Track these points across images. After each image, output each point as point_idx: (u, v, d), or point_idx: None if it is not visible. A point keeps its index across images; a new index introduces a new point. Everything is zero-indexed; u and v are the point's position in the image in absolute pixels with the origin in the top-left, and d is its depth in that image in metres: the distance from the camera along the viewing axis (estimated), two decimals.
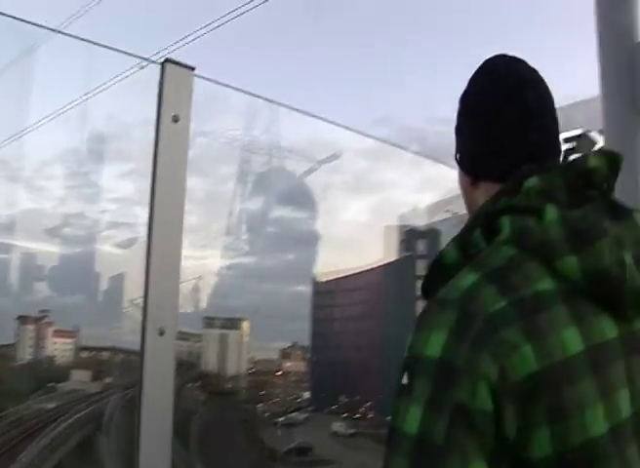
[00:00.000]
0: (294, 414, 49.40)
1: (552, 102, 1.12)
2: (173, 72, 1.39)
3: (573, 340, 0.88)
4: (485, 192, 1.09)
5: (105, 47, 1.67)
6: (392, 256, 56.59)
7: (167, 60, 1.37)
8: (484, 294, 0.90)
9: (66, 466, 30.18)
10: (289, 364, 60.71)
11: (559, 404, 0.85)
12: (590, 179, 1.02)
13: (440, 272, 1.02)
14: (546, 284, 0.90)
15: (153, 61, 1.41)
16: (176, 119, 1.34)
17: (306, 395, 60.11)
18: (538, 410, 0.85)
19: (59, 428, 34.05)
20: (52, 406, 41.91)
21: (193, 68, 1.41)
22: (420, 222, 54.69)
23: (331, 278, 64.87)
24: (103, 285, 61.92)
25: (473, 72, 1.16)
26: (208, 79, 1.49)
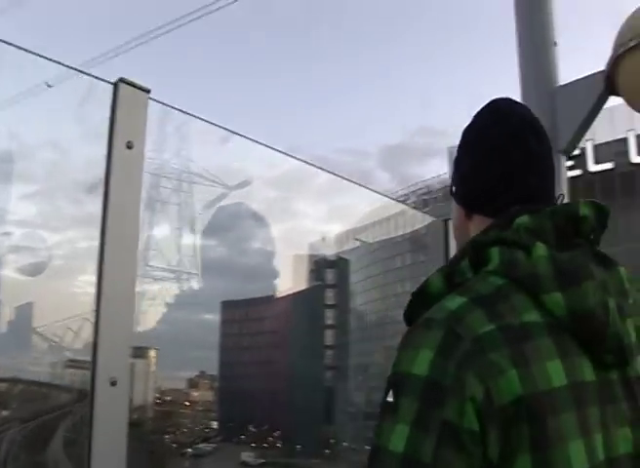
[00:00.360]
0: (202, 445, 48.59)
1: (550, 148, 1.14)
2: (127, 93, 1.31)
3: (557, 373, 0.88)
4: (477, 225, 1.11)
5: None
6: (302, 285, 57.13)
7: (121, 80, 1.30)
8: (472, 317, 0.90)
9: None
10: (197, 393, 59.79)
11: (543, 432, 0.85)
12: (579, 227, 1.03)
13: (424, 300, 1.01)
14: (533, 316, 0.91)
15: (106, 81, 1.32)
16: (130, 146, 1.25)
17: (215, 425, 59.38)
18: (521, 437, 0.84)
19: None
20: None
21: (149, 90, 1.34)
22: (330, 252, 55.84)
23: (240, 306, 64.69)
24: (5, 312, 59.43)
25: (478, 110, 1.18)
26: (163, 103, 1.42)
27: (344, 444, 40.58)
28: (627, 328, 0.96)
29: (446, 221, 1.75)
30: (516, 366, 0.87)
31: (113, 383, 1.26)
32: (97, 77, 1.32)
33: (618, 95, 2.84)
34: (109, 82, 1.33)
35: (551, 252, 0.96)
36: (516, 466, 0.84)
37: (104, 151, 1.26)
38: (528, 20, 2.93)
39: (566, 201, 1.12)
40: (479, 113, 1.19)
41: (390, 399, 0.90)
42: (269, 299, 61.34)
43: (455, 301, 0.94)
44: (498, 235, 1.00)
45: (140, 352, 66.90)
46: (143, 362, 66.27)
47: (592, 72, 2.93)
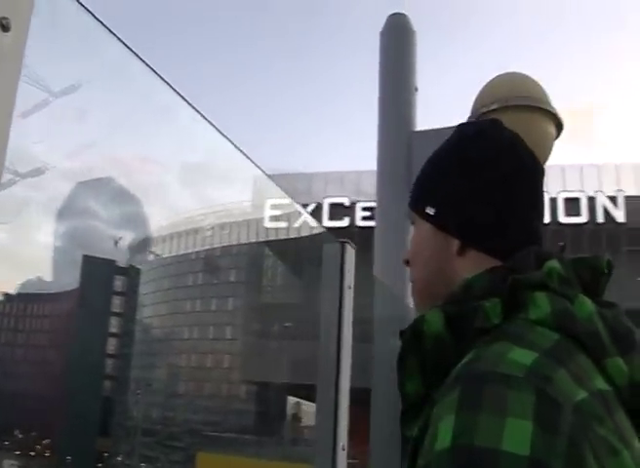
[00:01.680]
0: None
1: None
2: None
3: None
4: (474, 263, 0.92)
5: None
6: (88, 288, 55.85)
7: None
8: (559, 378, 0.71)
9: None
10: None
11: None
12: (599, 283, 0.90)
13: (414, 340, 0.85)
14: (600, 383, 0.75)
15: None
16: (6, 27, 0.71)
17: None
18: None
19: None
20: None
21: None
22: (122, 258, 55.08)
23: (17, 300, 61.59)
24: None
25: (477, 128, 1.04)
26: None
27: (118, 459, 40.71)
28: None
29: (343, 244, 1.72)
30: (625, 444, 0.70)
31: None
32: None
33: None
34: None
35: (597, 307, 0.82)
36: None
37: None
38: (391, 63, 2.91)
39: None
40: (481, 132, 1.01)
41: None
42: (51, 297, 59.17)
43: (521, 354, 0.72)
44: (541, 278, 0.82)
45: None
46: None
47: (450, 125, 2.89)
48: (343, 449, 1.71)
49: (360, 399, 2.02)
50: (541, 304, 0.80)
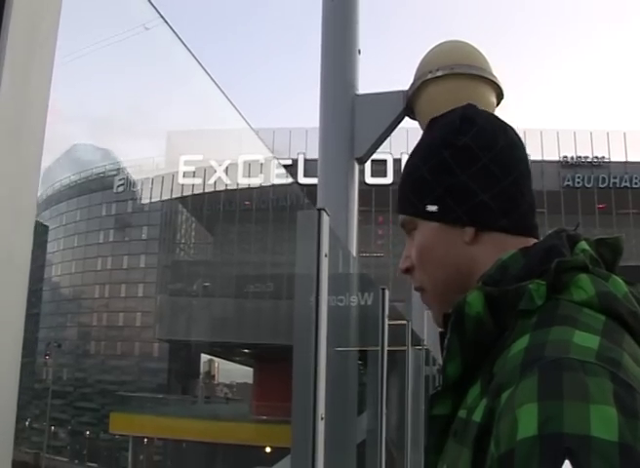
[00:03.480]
0: None
1: None
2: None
3: None
4: (493, 246, 0.93)
5: None
6: None
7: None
8: (625, 361, 0.72)
9: None
10: None
11: None
12: (616, 261, 0.92)
13: (458, 323, 0.85)
14: None
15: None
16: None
17: None
18: None
19: None
20: None
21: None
22: None
23: None
24: None
25: (467, 117, 1.01)
26: None
27: (26, 423, 39.65)
28: None
29: (319, 211, 1.77)
30: None
31: None
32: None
33: (414, 118, 3.02)
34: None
35: (629, 286, 0.83)
36: None
37: None
38: (333, 25, 2.89)
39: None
40: (466, 118, 1.00)
41: None
42: None
43: (585, 338, 0.73)
44: (584, 260, 0.84)
45: None
46: None
47: (393, 90, 3.01)
48: (322, 419, 1.68)
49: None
50: (585, 286, 0.82)
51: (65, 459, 39.79)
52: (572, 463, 0.64)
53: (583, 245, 0.88)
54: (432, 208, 0.98)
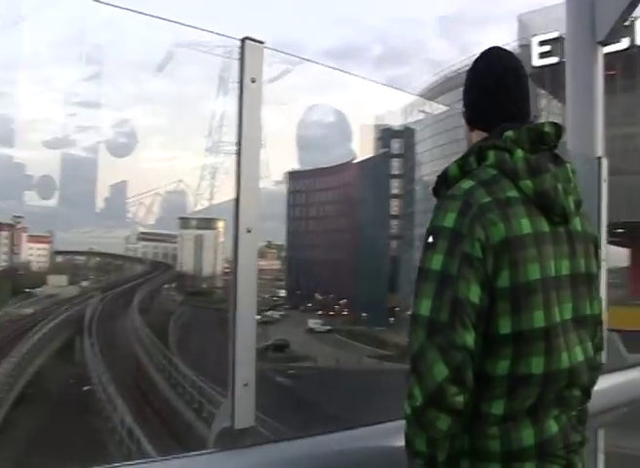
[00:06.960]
0: (270, 312, 50.36)
1: (527, 85, 1.68)
2: (249, 46, 1.80)
3: (526, 225, 1.46)
4: (477, 136, 1.65)
5: None
6: (367, 155, 56.31)
7: (246, 38, 1.79)
8: (478, 193, 1.46)
9: (51, 369, 30.74)
10: (264, 263, 61.36)
11: (515, 258, 1.43)
12: (544, 138, 1.58)
13: (445, 181, 1.58)
14: (513, 193, 1.48)
15: (235, 38, 1.81)
16: (253, 80, 1.75)
17: (282, 293, 61.23)
18: (503, 261, 1.42)
19: (39, 333, 34.53)
20: (30, 311, 42.37)
21: (263, 42, 1.83)
22: (395, 122, 54.35)
23: (306, 176, 64.66)
24: (75, 189, 61.28)
25: (477, 58, 1.71)
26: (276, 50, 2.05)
27: (409, 313, 41.09)
28: (569, 201, 1.55)
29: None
30: (503, 220, 1.44)
31: (249, 231, 1.71)
32: (228, 36, 1.83)
33: None
34: (237, 38, 1.82)
35: (526, 154, 1.53)
36: (500, 276, 1.42)
37: None
38: None
39: (545, 120, 1.70)
40: (477, 61, 1.70)
41: (431, 240, 1.44)
42: (335, 169, 61.00)
43: (467, 183, 1.49)
44: (493, 143, 1.55)
45: (208, 223, 68.70)
46: (212, 233, 68.18)
47: None
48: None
49: None
50: (490, 157, 1.53)
51: None
52: (432, 236, 1.44)
53: (508, 133, 1.54)
54: (463, 110, 1.72)
